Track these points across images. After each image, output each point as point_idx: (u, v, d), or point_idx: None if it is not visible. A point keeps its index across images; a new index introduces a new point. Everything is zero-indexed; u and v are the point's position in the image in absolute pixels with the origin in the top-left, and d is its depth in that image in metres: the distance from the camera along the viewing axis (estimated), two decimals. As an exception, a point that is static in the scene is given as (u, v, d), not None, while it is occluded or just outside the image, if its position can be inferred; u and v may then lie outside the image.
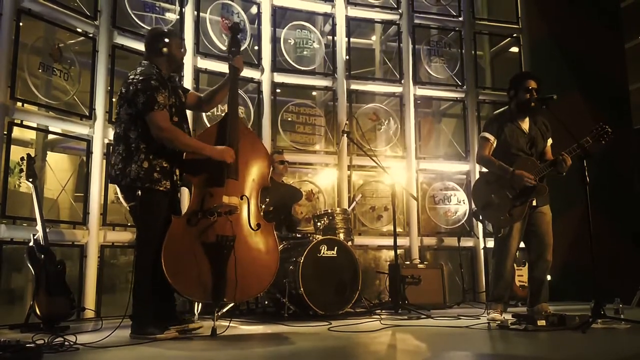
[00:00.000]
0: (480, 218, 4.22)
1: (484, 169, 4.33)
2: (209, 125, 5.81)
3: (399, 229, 5.63)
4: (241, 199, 3.41)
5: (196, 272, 3.25)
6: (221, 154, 3.36)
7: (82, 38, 5.08)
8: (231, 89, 3.64)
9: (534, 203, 3.95)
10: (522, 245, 4.11)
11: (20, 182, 4.73)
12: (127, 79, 3.37)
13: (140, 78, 3.28)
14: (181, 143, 3.31)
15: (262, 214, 4.43)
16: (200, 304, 4.23)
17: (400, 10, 6.88)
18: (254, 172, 3.56)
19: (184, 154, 3.39)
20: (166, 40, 3.44)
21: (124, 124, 3.33)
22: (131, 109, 3.29)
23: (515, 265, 5.04)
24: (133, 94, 3.26)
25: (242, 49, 6.17)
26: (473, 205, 4.25)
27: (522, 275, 5.52)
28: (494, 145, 4.08)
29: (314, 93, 7.15)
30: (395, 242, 5.02)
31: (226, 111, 3.64)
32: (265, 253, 3.44)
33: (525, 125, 4.10)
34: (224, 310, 4.15)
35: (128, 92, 3.29)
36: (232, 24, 3.85)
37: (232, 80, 3.64)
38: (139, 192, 3.22)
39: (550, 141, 4.14)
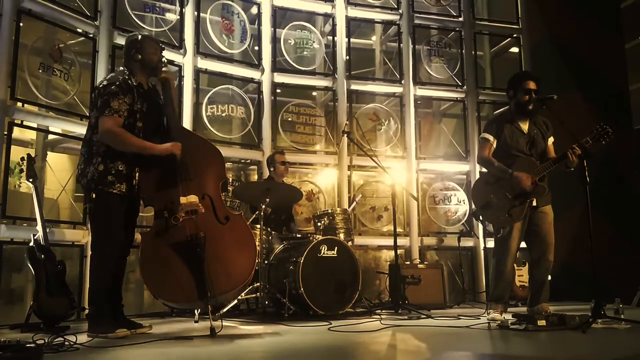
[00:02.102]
0: (480, 218, 4.22)
1: (484, 170, 4.34)
2: (209, 125, 5.87)
3: (399, 229, 5.64)
4: (202, 198, 3.42)
5: (177, 280, 3.28)
6: (168, 149, 3.36)
7: (82, 38, 5.08)
8: (165, 101, 3.57)
9: (534, 203, 3.95)
10: (522, 245, 4.10)
11: (20, 182, 4.74)
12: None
13: (105, 83, 3.37)
14: (124, 144, 3.31)
15: (261, 214, 4.49)
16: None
17: (400, 11, 6.88)
18: (208, 169, 3.56)
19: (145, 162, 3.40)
20: (139, 46, 3.48)
21: (91, 127, 3.43)
22: (95, 113, 3.39)
23: (515, 265, 5.04)
24: (95, 98, 3.39)
25: (241, 49, 6.23)
26: (473, 205, 4.24)
27: (522, 275, 5.53)
28: (494, 145, 4.09)
29: (314, 93, 7.16)
30: (395, 242, 5.02)
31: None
32: (240, 242, 3.47)
33: (525, 125, 4.09)
34: (224, 310, 4.14)
35: (94, 97, 3.42)
36: None
37: (165, 92, 3.59)
38: (93, 194, 3.32)
39: (551, 139, 4.14)
